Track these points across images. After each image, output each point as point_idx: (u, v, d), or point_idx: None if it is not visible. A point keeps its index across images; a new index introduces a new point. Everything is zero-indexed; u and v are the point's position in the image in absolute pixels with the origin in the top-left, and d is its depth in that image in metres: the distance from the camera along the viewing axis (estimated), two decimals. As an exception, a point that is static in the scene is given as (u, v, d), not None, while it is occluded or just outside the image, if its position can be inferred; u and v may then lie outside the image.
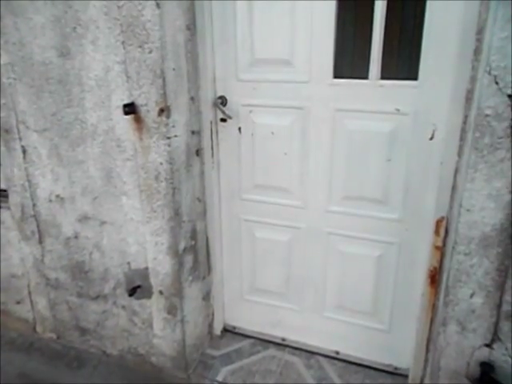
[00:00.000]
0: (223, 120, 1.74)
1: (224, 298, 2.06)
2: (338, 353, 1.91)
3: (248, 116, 1.71)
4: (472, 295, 1.33)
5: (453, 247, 1.33)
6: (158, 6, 1.35)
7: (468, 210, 1.27)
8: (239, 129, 1.74)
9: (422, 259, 1.59)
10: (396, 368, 1.81)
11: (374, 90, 1.51)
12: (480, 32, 1.20)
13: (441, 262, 1.49)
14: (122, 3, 1.38)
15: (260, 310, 2.01)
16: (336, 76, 1.55)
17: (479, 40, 1.21)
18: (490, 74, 1.14)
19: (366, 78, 1.51)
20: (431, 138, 1.47)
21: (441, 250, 1.48)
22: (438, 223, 1.47)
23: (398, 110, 1.49)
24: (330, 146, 1.63)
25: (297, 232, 1.81)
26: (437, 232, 1.48)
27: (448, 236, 1.44)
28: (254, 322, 2.04)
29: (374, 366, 1.84)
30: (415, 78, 1.45)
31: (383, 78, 1.49)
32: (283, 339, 2.00)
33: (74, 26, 1.49)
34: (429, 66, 1.41)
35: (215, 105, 1.71)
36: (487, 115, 1.17)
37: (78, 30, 1.49)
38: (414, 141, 1.50)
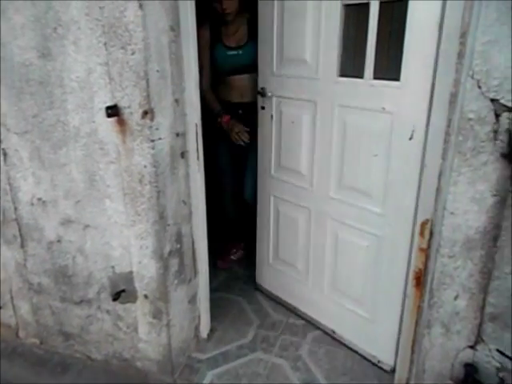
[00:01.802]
0: (262, 108, 2.06)
1: (255, 261, 2.39)
2: (334, 332, 2.02)
3: (278, 106, 1.99)
4: (456, 297, 1.34)
5: (437, 250, 1.34)
6: (140, 6, 1.33)
7: (452, 213, 1.27)
8: (271, 116, 2.02)
9: (403, 256, 1.64)
10: (379, 361, 1.84)
11: (366, 89, 1.61)
12: (463, 36, 1.21)
13: (425, 264, 1.50)
14: (103, 4, 1.36)
15: (280, 276, 2.25)
16: (341, 75, 1.70)
17: (462, 44, 1.21)
18: (472, 78, 1.15)
19: (362, 77, 1.60)
20: (410, 139, 1.51)
21: (425, 252, 1.49)
22: (423, 225, 1.48)
23: (384, 108, 1.57)
24: (331, 137, 1.79)
25: (306, 212, 2.00)
26: (421, 234, 1.49)
27: (432, 238, 1.44)
28: (276, 285, 2.30)
29: (362, 353, 1.89)
30: (399, 79, 1.49)
31: (376, 78, 1.58)
32: (295, 308, 2.20)
33: (55, 27, 1.46)
34: (409, 67, 1.46)
35: (258, 93, 2.06)
36: (470, 119, 1.18)
37: (59, 30, 1.46)
38: (396, 139, 1.57)
